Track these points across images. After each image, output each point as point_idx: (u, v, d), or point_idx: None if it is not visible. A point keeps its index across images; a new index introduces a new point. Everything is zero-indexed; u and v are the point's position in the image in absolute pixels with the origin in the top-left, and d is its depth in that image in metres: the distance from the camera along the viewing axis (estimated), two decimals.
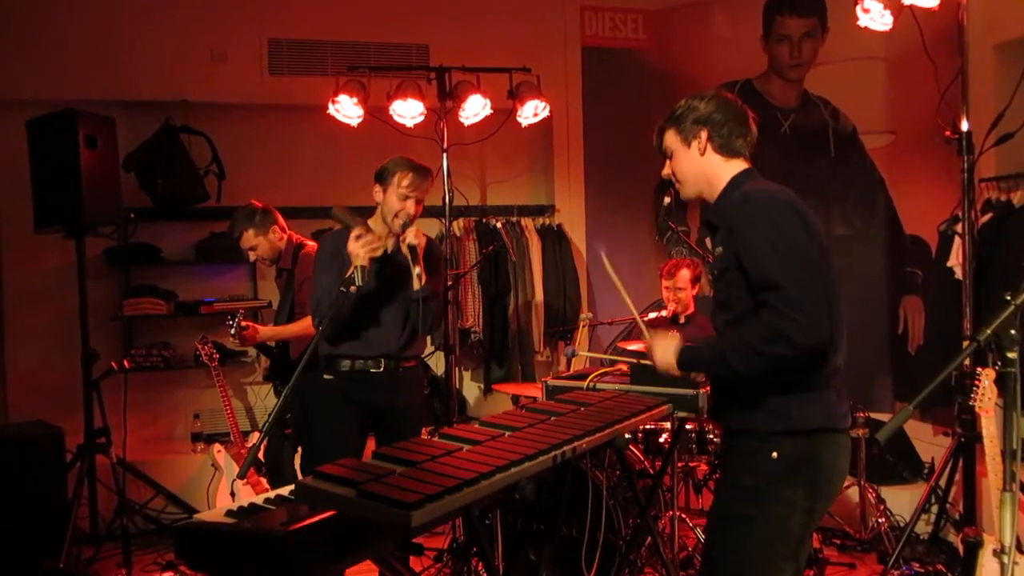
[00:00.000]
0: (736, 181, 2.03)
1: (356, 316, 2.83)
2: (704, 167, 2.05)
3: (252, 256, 3.80)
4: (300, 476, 3.18)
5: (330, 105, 4.20)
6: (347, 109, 4.20)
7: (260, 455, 3.90)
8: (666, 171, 2.14)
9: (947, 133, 3.41)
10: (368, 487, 1.50)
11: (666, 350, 2.07)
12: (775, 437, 1.93)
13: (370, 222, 2.94)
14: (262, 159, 5.05)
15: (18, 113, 4.24)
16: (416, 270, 2.81)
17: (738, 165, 2.05)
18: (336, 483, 1.56)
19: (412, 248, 2.83)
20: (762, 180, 2.03)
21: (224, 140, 4.89)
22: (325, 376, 2.93)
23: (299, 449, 3.71)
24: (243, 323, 3.64)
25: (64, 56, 4.57)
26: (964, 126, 3.42)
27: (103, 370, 3.97)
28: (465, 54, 4.28)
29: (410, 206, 2.89)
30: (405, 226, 2.88)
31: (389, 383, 2.94)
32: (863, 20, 3.60)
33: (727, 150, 2.04)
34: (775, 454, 1.92)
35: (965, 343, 3.41)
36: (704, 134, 2.03)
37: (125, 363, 4.09)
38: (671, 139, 2.09)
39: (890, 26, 3.58)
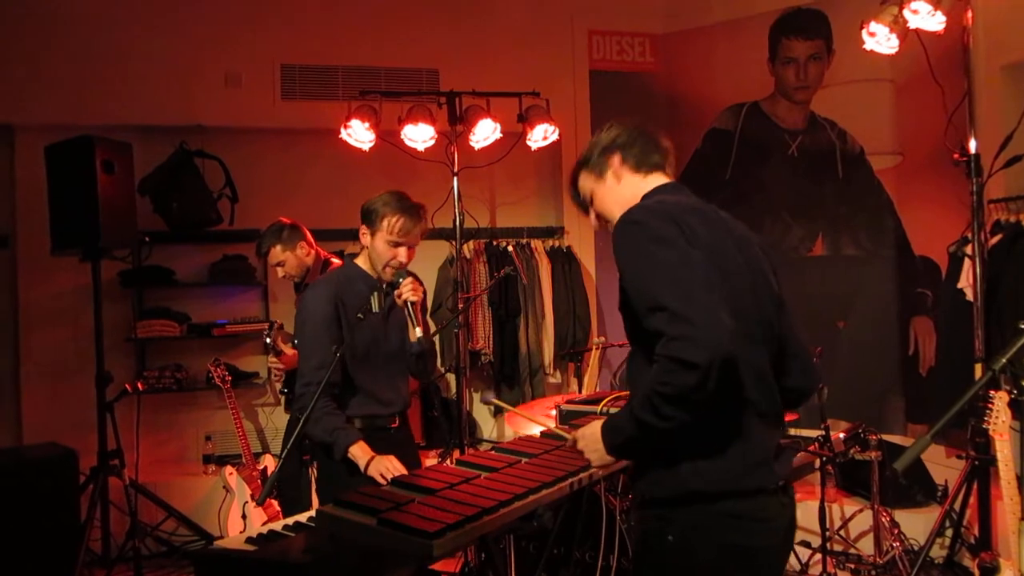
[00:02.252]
0: (646, 197, 1.79)
1: (361, 374, 2.59)
2: (624, 193, 1.82)
3: (280, 272, 3.79)
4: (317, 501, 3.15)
5: (342, 129, 4.25)
6: (359, 133, 4.25)
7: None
8: (593, 220, 1.91)
9: (955, 156, 3.42)
10: (389, 515, 1.51)
11: (593, 441, 1.69)
12: (666, 508, 1.62)
13: (358, 262, 2.69)
14: (275, 182, 5.10)
15: (37, 139, 4.31)
16: (418, 331, 2.53)
17: (656, 180, 1.83)
18: (357, 511, 1.57)
19: (409, 305, 2.53)
20: (672, 193, 1.78)
21: (237, 164, 4.95)
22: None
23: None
24: (280, 339, 3.66)
25: (81, 83, 4.65)
26: (972, 148, 3.43)
27: (117, 392, 4.00)
28: (475, 79, 4.33)
29: (402, 254, 2.56)
30: (399, 276, 2.57)
31: (405, 439, 2.72)
32: (869, 44, 3.63)
33: (644, 166, 1.83)
34: (670, 536, 1.60)
35: (978, 366, 3.41)
36: (616, 159, 1.83)
37: (139, 385, 4.12)
38: (585, 182, 1.88)
39: (896, 49, 3.61)
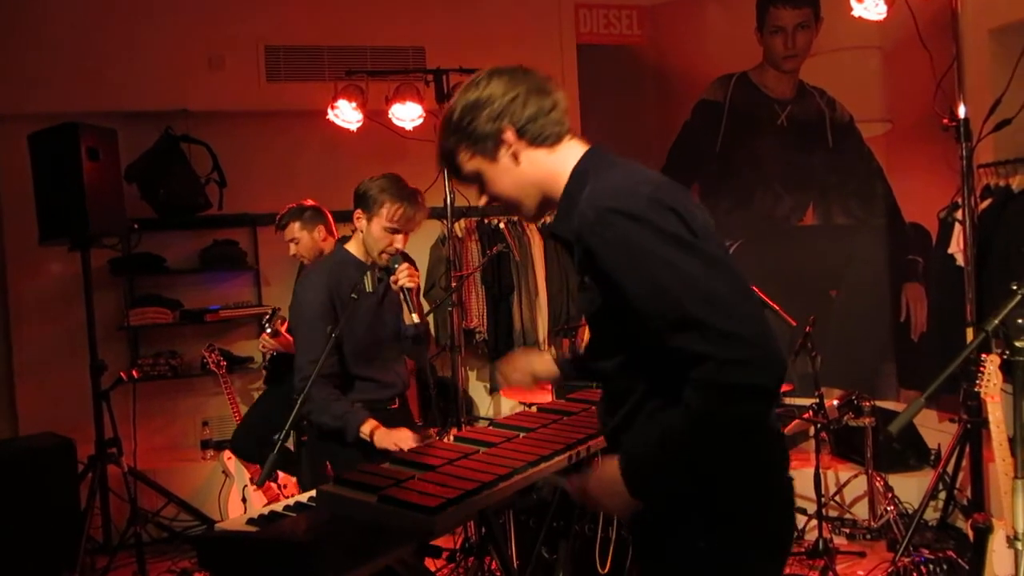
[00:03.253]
0: (578, 174, 1.47)
1: (358, 361, 2.59)
2: (530, 175, 1.49)
3: (292, 250, 3.75)
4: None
5: (329, 111, 4.22)
6: (346, 114, 4.22)
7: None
8: (483, 201, 1.58)
9: (945, 121, 3.42)
10: (390, 492, 1.52)
11: (610, 484, 1.39)
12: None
13: (348, 246, 2.66)
14: (263, 166, 5.06)
15: (20, 127, 4.25)
16: (415, 316, 2.52)
17: (571, 149, 1.50)
18: (357, 489, 1.58)
19: (405, 291, 2.53)
20: (613, 162, 1.47)
21: (224, 148, 4.91)
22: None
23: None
24: (279, 326, 3.67)
25: (63, 69, 4.58)
26: (961, 113, 3.43)
27: (111, 380, 3.99)
28: (461, 55, 4.29)
29: (398, 241, 2.54)
30: (394, 262, 2.56)
31: (405, 419, 2.73)
32: (857, 10, 3.61)
33: (546, 137, 1.48)
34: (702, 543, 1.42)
35: (969, 330, 3.44)
36: (510, 134, 1.46)
37: (133, 373, 4.11)
38: (468, 162, 1.51)
39: (884, 15, 3.59)
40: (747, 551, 1.41)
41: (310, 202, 3.78)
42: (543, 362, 1.81)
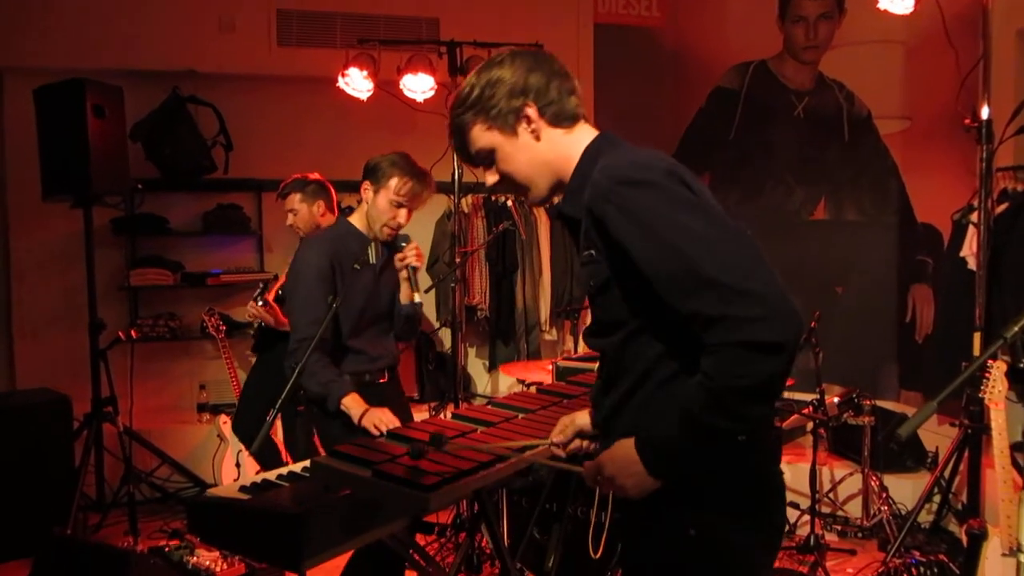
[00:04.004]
0: (590, 153, 1.47)
1: (352, 332, 2.58)
2: (546, 155, 1.48)
3: (290, 219, 3.75)
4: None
5: (340, 78, 4.16)
6: (357, 83, 4.16)
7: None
8: (492, 179, 1.53)
9: (967, 121, 3.36)
10: (384, 467, 1.50)
11: (627, 464, 1.36)
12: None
13: (352, 219, 2.65)
14: (270, 131, 5.02)
15: (25, 81, 4.21)
16: (417, 296, 2.55)
17: (584, 132, 1.51)
18: (352, 463, 1.56)
19: (411, 270, 2.56)
20: (623, 144, 1.48)
21: (232, 111, 4.86)
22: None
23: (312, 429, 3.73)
24: (269, 298, 3.65)
25: (71, 24, 4.52)
26: (984, 114, 3.37)
27: (110, 340, 3.98)
28: (476, 28, 4.23)
29: (402, 216, 2.55)
30: (401, 240, 2.59)
31: (395, 393, 2.74)
32: (883, 3, 3.54)
33: (565, 118, 1.48)
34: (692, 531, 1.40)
35: (976, 335, 3.40)
36: (532, 111, 1.45)
37: (132, 333, 4.09)
38: (482, 136, 1.48)
39: (911, 9, 3.52)
40: (736, 537, 1.38)
41: (315, 176, 3.77)
42: (586, 418, 1.71)
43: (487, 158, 1.50)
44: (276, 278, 3.95)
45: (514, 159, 1.48)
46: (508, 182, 1.52)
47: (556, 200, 1.55)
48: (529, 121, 1.46)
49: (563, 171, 1.49)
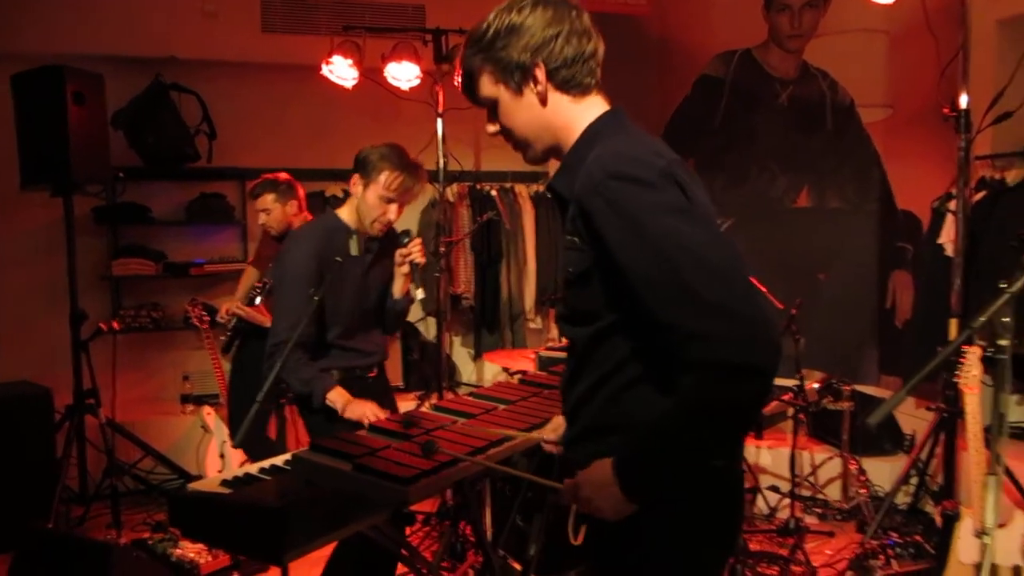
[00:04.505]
0: (591, 133, 1.43)
1: (340, 328, 2.56)
2: (549, 119, 1.43)
3: (262, 218, 3.76)
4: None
5: (324, 66, 4.14)
6: (341, 70, 4.15)
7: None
8: (492, 128, 1.49)
9: (946, 111, 3.39)
10: (365, 461, 1.51)
11: (602, 486, 1.33)
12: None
13: (340, 212, 2.61)
14: (253, 119, 4.99)
15: (2, 67, 4.15)
16: (419, 292, 2.56)
17: (593, 105, 1.46)
18: (333, 456, 1.57)
19: (415, 266, 2.52)
20: (627, 129, 1.43)
21: (215, 99, 4.82)
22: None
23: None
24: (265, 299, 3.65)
25: (49, 9, 4.46)
26: (963, 103, 3.40)
27: (92, 331, 3.95)
28: (462, 16, 4.19)
29: (392, 211, 2.50)
30: (404, 236, 2.56)
31: (383, 388, 2.71)
32: None
33: (575, 85, 1.42)
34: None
35: (953, 321, 3.45)
36: (540, 72, 1.39)
37: (114, 324, 4.07)
38: (488, 87, 1.44)
39: None
40: (702, 548, 1.39)
41: (284, 176, 3.77)
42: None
43: (491, 108, 1.46)
44: (265, 286, 3.91)
45: (515, 116, 1.44)
46: (506, 135, 1.48)
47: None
48: (536, 82, 1.40)
49: (563, 139, 1.45)
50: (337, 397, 2.37)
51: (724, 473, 1.41)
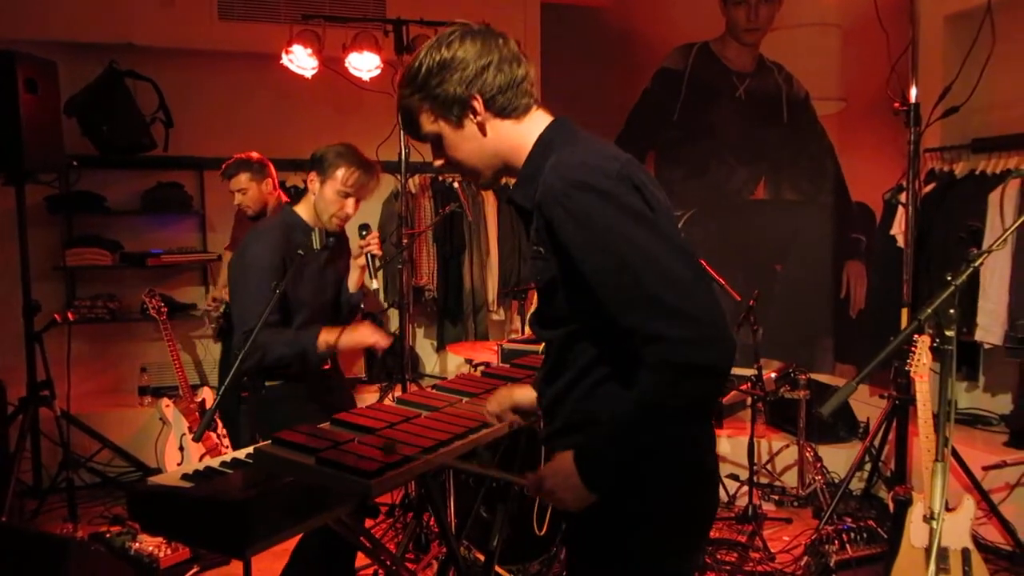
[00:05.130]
0: (543, 143, 1.45)
1: (300, 322, 2.56)
2: (494, 145, 1.46)
3: (237, 199, 3.75)
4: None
5: (283, 55, 4.09)
6: (301, 60, 4.10)
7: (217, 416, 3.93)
8: (438, 163, 1.53)
9: (896, 105, 3.48)
10: (328, 455, 1.51)
11: (565, 478, 1.37)
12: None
13: (298, 209, 2.64)
14: (212, 108, 4.91)
15: None
16: (374, 283, 2.63)
17: (536, 120, 1.48)
18: (295, 450, 1.57)
19: (372, 258, 2.61)
20: (578, 136, 1.46)
21: (172, 87, 4.73)
22: (268, 383, 2.55)
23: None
24: None
25: None
26: (912, 97, 3.49)
27: (45, 322, 3.87)
28: (423, 6, 4.19)
29: (349, 205, 2.56)
30: (363, 229, 2.65)
31: (337, 382, 2.77)
32: None
33: (513, 109, 1.45)
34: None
35: (904, 311, 3.55)
36: (478, 103, 1.42)
37: (69, 315, 3.99)
38: (429, 124, 1.47)
39: None
40: (673, 540, 1.44)
41: (256, 155, 3.75)
42: (524, 393, 1.73)
43: (435, 143, 1.49)
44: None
45: (460, 148, 1.47)
46: (455, 167, 1.51)
47: (506, 181, 1.55)
48: (475, 112, 1.43)
49: (512, 159, 1.47)
50: (329, 335, 2.45)
51: (698, 464, 1.46)
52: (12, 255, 3.92)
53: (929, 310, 1.51)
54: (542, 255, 1.39)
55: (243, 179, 3.69)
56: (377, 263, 2.63)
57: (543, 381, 1.53)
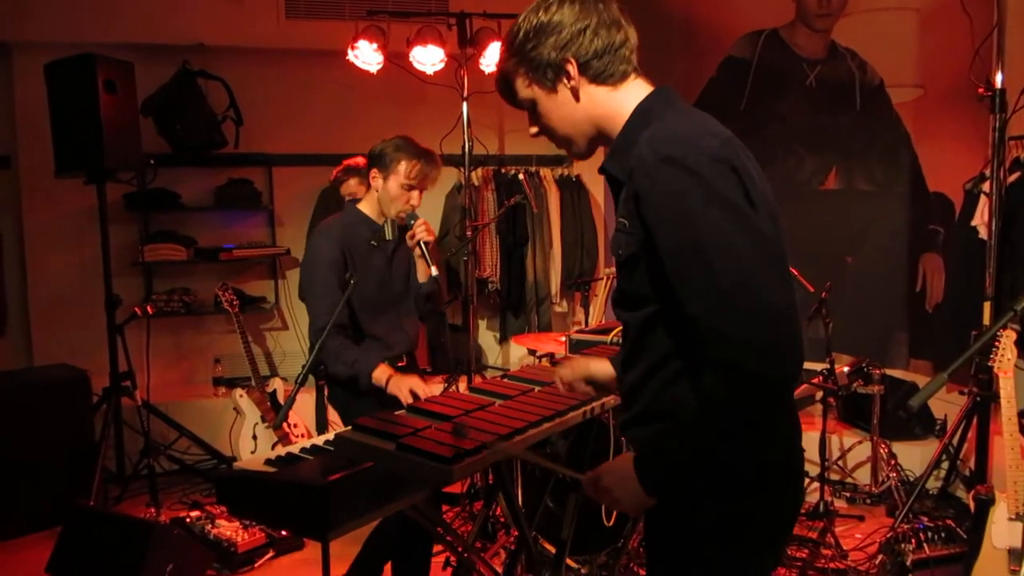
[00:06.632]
0: (640, 112, 1.40)
1: (367, 319, 2.61)
2: (588, 112, 1.42)
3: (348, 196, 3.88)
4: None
5: (349, 51, 4.15)
6: (366, 55, 4.16)
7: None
8: (532, 130, 1.50)
9: (980, 90, 3.34)
10: (408, 441, 1.53)
11: (623, 479, 1.35)
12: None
13: (361, 206, 2.68)
14: (280, 105, 5.02)
15: (35, 56, 4.22)
16: (433, 270, 2.62)
17: (635, 89, 1.42)
18: (375, 436, 1.59)
19: (423, 245, 2.60)
20: (678, 107, 1.40)
21: (241, 85, 4.86)
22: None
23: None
24: None
25: None
26: (998, 82, 3.35)
27: (126, 315, 4.02)
28: None
29: (414, 197, 2.59)
30: (409, 219, 2.63)
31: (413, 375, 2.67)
32: None
33: (609, 75, 1.40)
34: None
35: (986, 304, 3.41)
36: (572, 68, 1.38)
37: (148, 308, 4.14)
38: (524, 90, 1.44)
39: None
40: (753, 542, 1.39)
41: (363, 160, 3.83)
42: (601, 366, 1.70)
43: (530, 109, 1.47)
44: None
45: (552, 114, 1.43)
46: (548, 134, 1.48)
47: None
48: (569, 77, 1.39)
49: (607, 128, 1.43)
50: (382, 374, 2.44)
51: (781, 463, 1.41)
52: (94, 251, 4.09)
53: None
54: (626, 228, 1.34)
55: (352, 184, 3.81)
56: (428, 249, 2.61)
57: (622, 365, 1.49)
